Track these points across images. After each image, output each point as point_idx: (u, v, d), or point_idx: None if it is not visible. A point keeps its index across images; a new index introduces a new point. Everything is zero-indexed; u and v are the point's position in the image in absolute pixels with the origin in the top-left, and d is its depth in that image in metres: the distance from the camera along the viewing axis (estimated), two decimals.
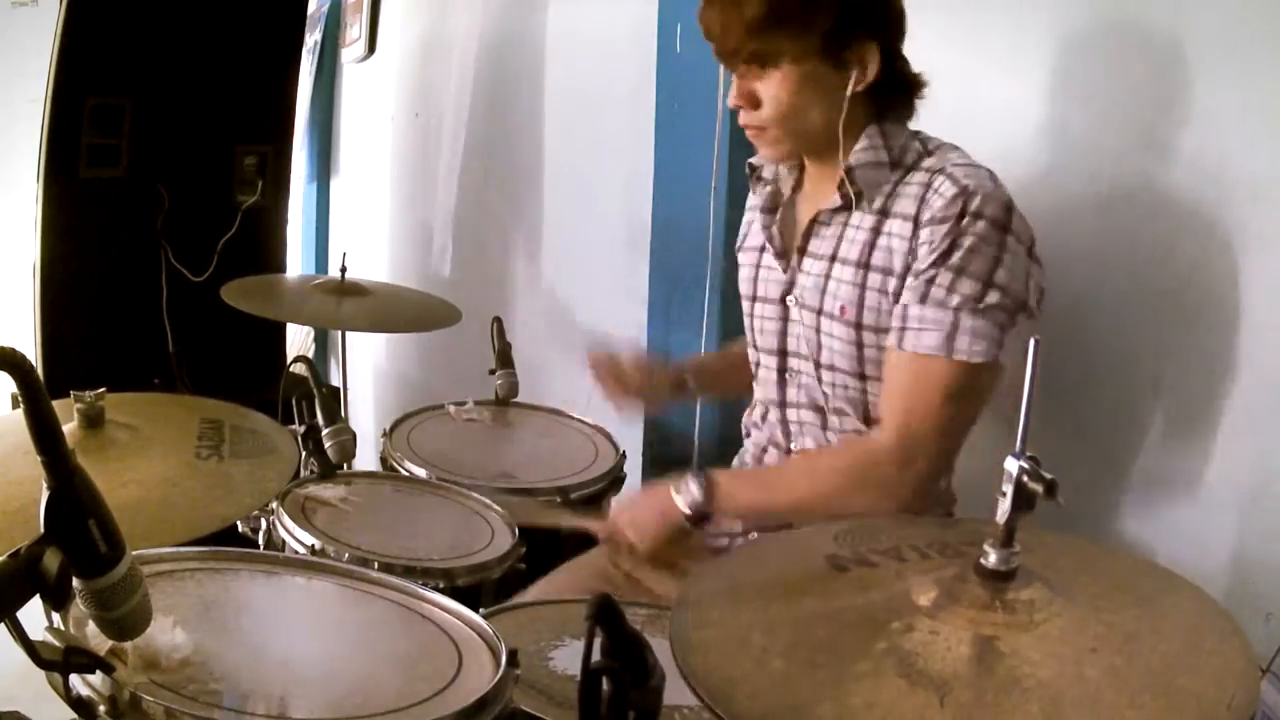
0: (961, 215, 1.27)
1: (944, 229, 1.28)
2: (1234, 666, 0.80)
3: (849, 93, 1.33)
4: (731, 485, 1.41)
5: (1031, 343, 0.89)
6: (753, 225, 1.55)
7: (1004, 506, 0.84)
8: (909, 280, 1.32)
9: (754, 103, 1.36)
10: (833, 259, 1.40)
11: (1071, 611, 0.84)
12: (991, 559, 0.85)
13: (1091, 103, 1.57)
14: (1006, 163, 1.44)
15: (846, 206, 1.39)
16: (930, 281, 1.29)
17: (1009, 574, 0.85)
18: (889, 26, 1.35)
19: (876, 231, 1.37)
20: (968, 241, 1.27)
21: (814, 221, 1.41)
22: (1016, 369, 1.42)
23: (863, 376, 1.41)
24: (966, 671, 0.79)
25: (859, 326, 1.38)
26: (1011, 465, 0.83)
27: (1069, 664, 0.79)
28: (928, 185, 1.33)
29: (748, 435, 1.62)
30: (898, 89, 1.39)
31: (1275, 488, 1.36)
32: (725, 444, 1.68)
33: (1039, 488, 0.82)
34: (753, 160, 1.52)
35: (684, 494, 1.40)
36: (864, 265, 1.37)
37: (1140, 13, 1.50)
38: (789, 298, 1.46)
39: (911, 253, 1.32)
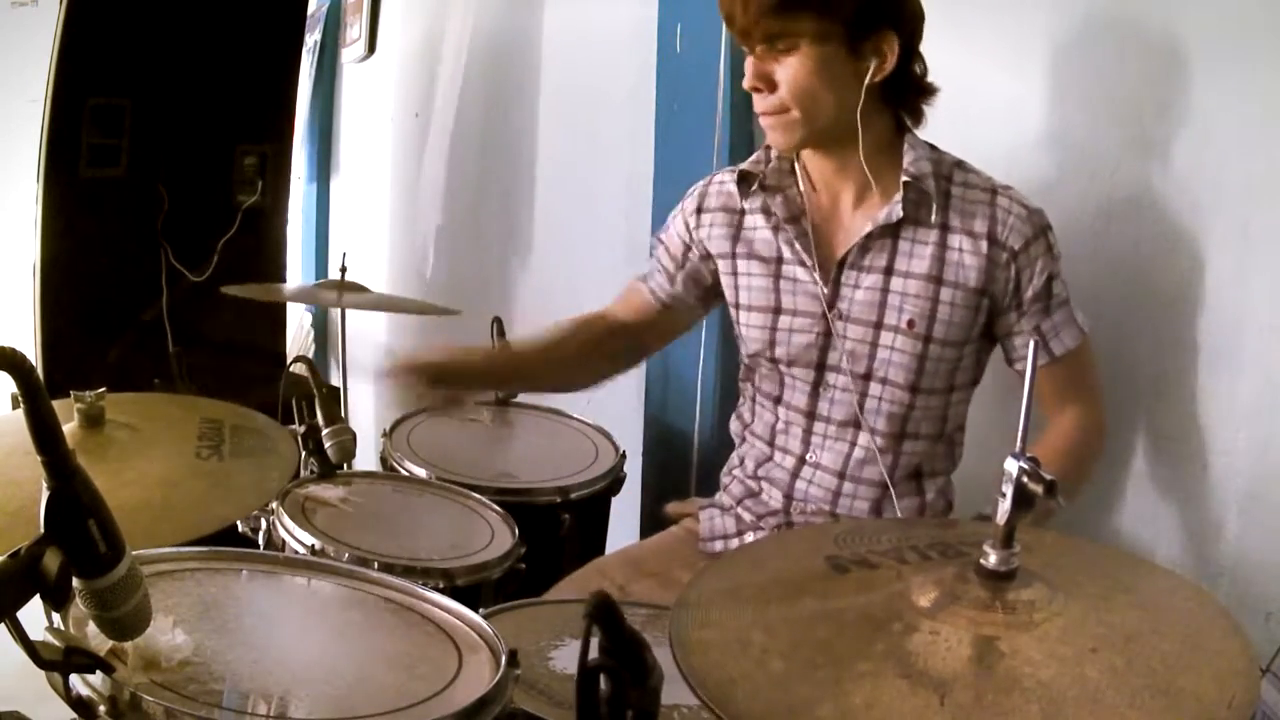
0: (1043, 232, 1.38)
1: (1039, 248, 1.38)
2: (1234, 666, 0.80)
3: (866, 82, 1.34)
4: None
5: (1031, 344, 0.89)
6: (750, 231, 1.49)
7: (1004, 507, 0.84)
8: (1025, 304, 1.39)
9: (770, 85, 1.35)
10: (888, 272, 1.40)
11: (1072, 612, 0.84)
12: (991, 559, 0.85)
13: (1092, 104, 1.58)
14: (1008, 165, 1.44)
15: (903, 219, 1.38)
16: (1049, 295, 1.40)
17: (1009, 574, 0.85)
18: (910, 22, 1.36)
19: (943, 246, 1.38)
20: (1055, 251, 1.40)
21: (867, 236, 1.40)
22: (1014, 372, 1.42)
23: (914, 390, 1.41)
24: (966, 672, 0.79)
25: (928, 339, 1.39)
26: (1011, 466, 0.83)
27: (1069, 664, 0.79)
28: (993, 205, 1.38)
29: (742, 441, 1.61)
30: (912, 91, 1.39)
31: (1275, 488, 1.36)
32: (726, 444, 1.67)
33: (1039, 488, 0.82)
34: (744, 167, 1.48)
35: None
36: (936, 279, 1.38)
37: (1139, 15, 1.50)
38: (831, 312, 1.43)
39: (992, 273, 1.37)
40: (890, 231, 1.40)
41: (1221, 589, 1.40)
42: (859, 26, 1.31)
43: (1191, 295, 1.44)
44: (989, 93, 1.67)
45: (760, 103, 1.38)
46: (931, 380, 1.42)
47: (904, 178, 1.36)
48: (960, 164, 1.42)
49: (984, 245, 1.37)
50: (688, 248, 1.56)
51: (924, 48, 1.39)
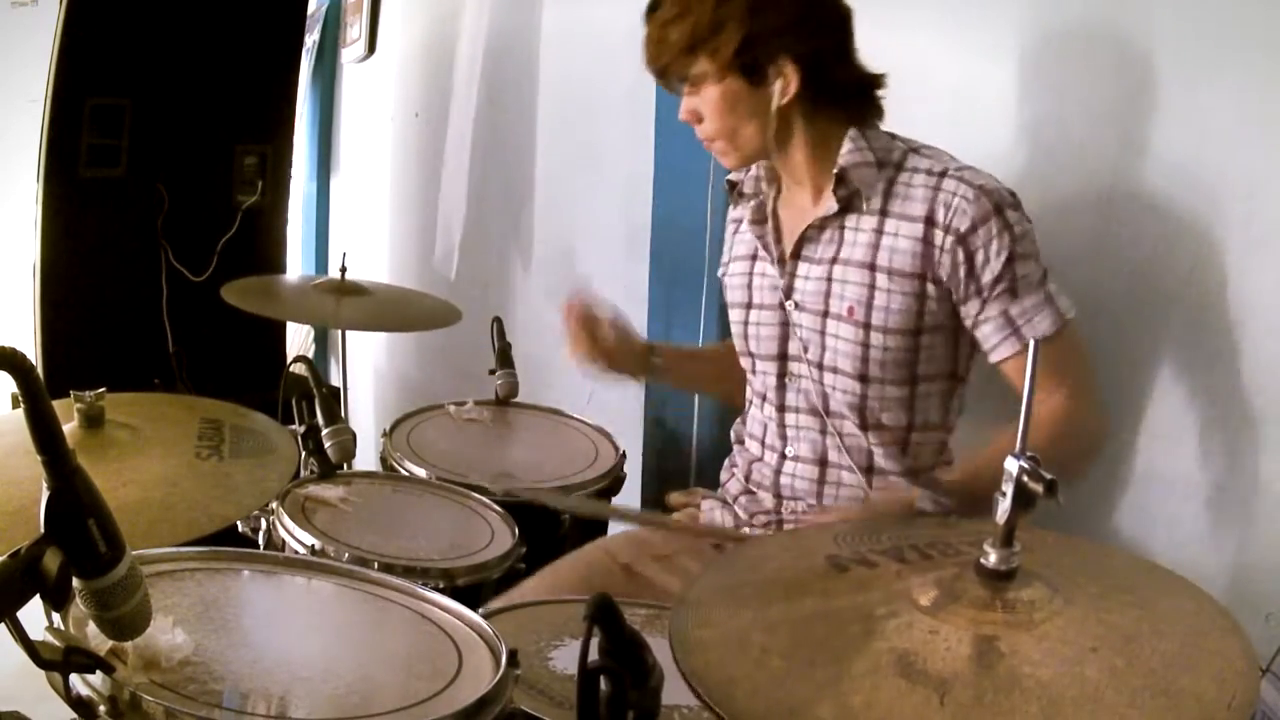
0: (997, 211, 1.33)
1: (992, 228, 1.32)
2: (1234, 666, 0.80)
3: (774, 107, 1.38)
4: (964, 488, 1.34)
5: (1032, 343, 0.89)
6: (739, 236, 1.58)
7: (1004, 506, 0.84)
8: (984, 289, 1.34)
9: (697, 119, 1.43)
10: (834, 261, 1.42)
11: (1071, 611, 0.84)
12: (991, 559, 0.85)
13: (1090, 104, 1.58)
14: (1006, 163, 1.44)
15: (843, 210, 1.41)
16: (1013, 278, 1.33)
17: (1009, 574, 0.85)
18: (807, 40, 1.37)
19: (879, 232, 1.39)
20: (1017, 230, 1.33)
21: (810, 227, 1.44)
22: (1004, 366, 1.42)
23: (864, 379, 1.41)
24: (966, 671, 0.79)
25: (867, 326, 1.39)
26: (1011, 465, 0.83)
27: (1069, 664, 0.79)
28: (936, 189, 1.35)
29: (739, 443, 1.62)
30: (844, 93, 1.40)
31: (1275, 488, 1.36)
32: (725, 445, 1.68)
33: (1039, 487, 0.82)
34: (730, 177, 1.56)
35: (925, 502, 1.35)
36: (871, 266, 1.39)
37: (1139, 13, 1.50)
38: (787, 302, 1.47)
39: (932, 256, 1.34)
40: (836, 222, 1.42)
41: (1221, 589, 1.40)
42: (749, 59, 1.36)
43: (1191, 295, 1.44)
44: (988, 92, 1.67)
45: (697, 133, 1.46)
46: (881, 370, 1.41)
47: (835, 170, 1.39)
48: (917, 150, 1.42)
49: (919, 228, 1.36)
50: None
51: (924, 46, 1.40)
